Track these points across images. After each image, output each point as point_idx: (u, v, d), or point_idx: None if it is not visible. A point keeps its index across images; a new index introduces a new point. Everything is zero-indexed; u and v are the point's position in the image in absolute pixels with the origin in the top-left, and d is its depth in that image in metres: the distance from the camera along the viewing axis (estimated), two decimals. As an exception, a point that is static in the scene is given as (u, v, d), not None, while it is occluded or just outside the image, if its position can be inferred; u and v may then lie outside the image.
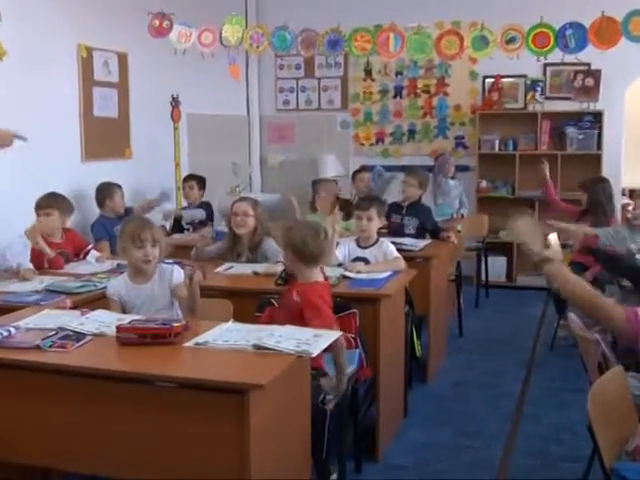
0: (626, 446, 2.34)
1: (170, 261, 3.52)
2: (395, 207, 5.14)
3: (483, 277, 6.84)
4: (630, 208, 5.27)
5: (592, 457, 2.70)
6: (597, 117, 6.84)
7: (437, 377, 4.69)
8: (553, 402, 4.22)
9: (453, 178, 6.73)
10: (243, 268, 3.98)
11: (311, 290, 3.02)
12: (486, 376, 4.73)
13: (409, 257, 4.32)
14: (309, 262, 3.09)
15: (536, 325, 5.04)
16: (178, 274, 3.26)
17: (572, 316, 3.04)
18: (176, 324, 2.60)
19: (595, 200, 5.29)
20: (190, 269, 3.25)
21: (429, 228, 5.10)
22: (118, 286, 3.22)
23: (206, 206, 6.02)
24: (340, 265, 3.91)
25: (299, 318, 2.92)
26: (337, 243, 4.03)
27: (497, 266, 7.17)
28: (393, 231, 4.97)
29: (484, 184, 7.19)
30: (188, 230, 5.89)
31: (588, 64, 6.67)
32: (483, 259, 6.79)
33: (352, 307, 3.31)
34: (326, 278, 3.24)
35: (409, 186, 5.17)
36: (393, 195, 5.85)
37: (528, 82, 7.07)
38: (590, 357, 2.83)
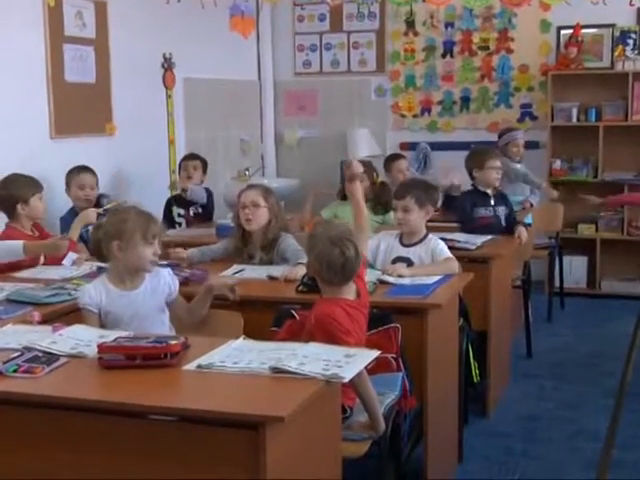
0: None
1: (164, 262, 3.56)
2: (480, 197, 5.15)
3: (557, 283, 6.82)
4: None
5: None
6: None
7: (500, 409, 4.68)
8: (653, 444, 4.20)
9: (521, 161, 6.64)
10: (256, 272, 4.00)
11: (330, 317, 2.99)
12: (562, 409, 4.72)
13: (464, 257, 4.32)
14: (333, 284, 3.10)
15: (627, 344, 5.00)
16: (176, 282, 3.30)
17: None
18: (173, 342, 2.61)
19: None
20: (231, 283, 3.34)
21: (511, 220, 5.17)
22: (96, 294, 3.23)
23: (208, 194, 6.05)
24: (371, 266, 3.92)
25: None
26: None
27: (575, 268, 7.16)
28: (486, 230, 4.98)
29: (558, 164, 7.15)
30: (180, 225, 5.92)
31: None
32: (557, 260, 6.76)
33: (393, 320, 3.31)
34: (363, 289, 3.22)
35: (497, 168, 5.21)
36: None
37: (617, 33, 7.06)
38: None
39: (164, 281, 3.28)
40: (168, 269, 3.40)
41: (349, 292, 3.13)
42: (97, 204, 5.08)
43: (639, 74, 6.92)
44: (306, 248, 3.19)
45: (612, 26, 7.04)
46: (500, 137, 6.71)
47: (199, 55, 6.80)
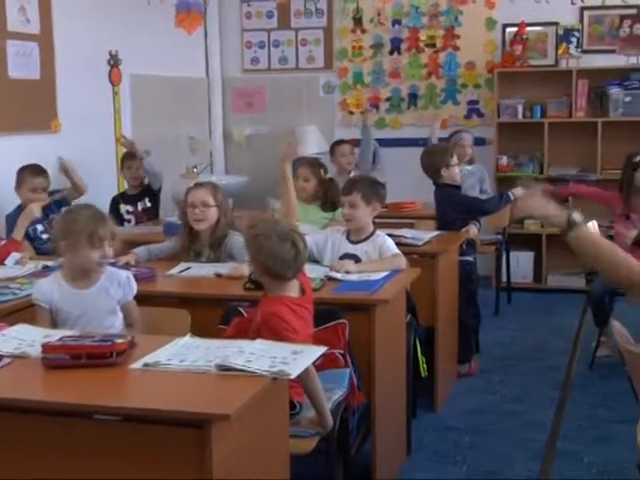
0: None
1: (112, 261, 3.52)
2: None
3: (504, 278, 6.90)
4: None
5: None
6: (648, 74, 6.90)
7: (448, 404, 4.72)
8: (594, 435, 4.26)
9: (471, 163, 6.69)
10: (203, 269, 3.98)
11: (277, 315, 3.00)
12: (509, 402, 4.76)
13: (412, 253, 4.36)
14: (279, 279, 3.10)
15: (572, 338, 5.07)
16: (133, 286, 3.27)
17: (617, 326, 3.06)
18: (119, 340, 2.59)
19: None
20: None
21: None
22: (49, 290, 3.21)
23: (148, 189, 6.04)
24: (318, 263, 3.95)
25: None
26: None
27: (522, 264, 7.25)
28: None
29: (504, 161, 7.23)
30: (129, 222, 5.88)
31: (637, 6, 6.73)
32: (504, 255, 6.84)
33: (340, 316, 3.32)
34: (306, 285, 3.22)
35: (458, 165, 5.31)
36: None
37: (560, 31, 7.15)
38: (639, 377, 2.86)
39: (118, 284, 3.24)
40: (128, 273, 3.35)
41: (294, 289, 3.14)
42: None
43: (582, 71, 7.02)
44: (251, 249, 3.14)
45: (556, 24, 7.14)
46: (449, 138, 6.77)
47: (146, 51, 6.75)
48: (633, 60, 6.90)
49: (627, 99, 6.93)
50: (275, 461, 2.64)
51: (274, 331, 2.93)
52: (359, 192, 4.07)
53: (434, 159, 5.22)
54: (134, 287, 3.30)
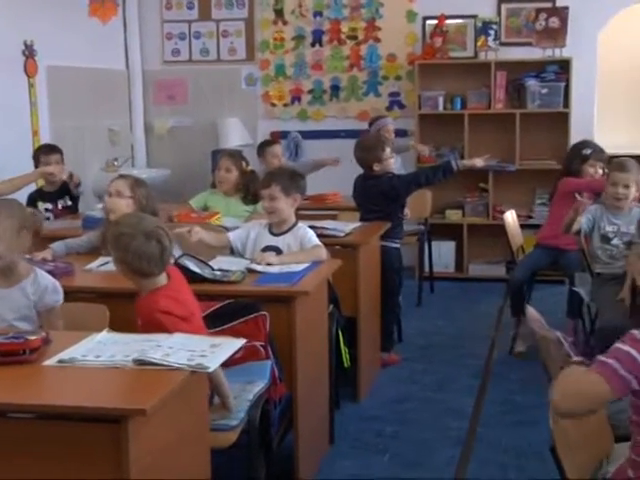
0: (600, 471, 2.43)
1: (28, 257, 3.45)
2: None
3: (427, 268, 6.98)
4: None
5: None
6: (564, 67, 7.05)
7: (370, 393, 4.75)
8: (512, 420, 4.34)
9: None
10: (122, 264, 3.93)
11: (160, 312, 2.94)
12: (431, 390, 4.82)
13: (334, 244, 4.39)
14: (147, 276, 3.06)
15: (493, 325, 5.17)
16: (56, 296, 3.19)
17: (531, 312, 3.12)
18: (32, 337, 2.55)
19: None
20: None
21: None
22: None
23: (67, 187, 5.93)
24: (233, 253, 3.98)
25: None
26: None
27: (444, 253, 7.34)
28: None
29: (427, 151, 7.30)
30: (48, 219, 5.76)
31: (553, 0, 6.87)
32: (426, 245, 6.92)
33: (261, 308, 3.33)
34: (170, 269, 3.17)
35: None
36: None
37: (479, 24, 7.23)
38: (552, 362, 2.92)
39: (38, 289, 3.16)
40: (54, 281, 3.24)
41: (162, 279, 3.09)
42: None
43: (501, 63, 7.12)
44: (116, 249, 3.07)
45: (474, 17, 7.23)
46: (371, 125, 6.81)
47: (63, 43, 6.62)
48: (549, 52, 7.04)
49: (544, 91, 7.06)
50: (196, 455, 2.63)
51: (162, 328, 2.86)
52: (278, 184, 4.06)
53: (367, 154, 5.19)
54: (59, 296, 3.20)
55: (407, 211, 5.56)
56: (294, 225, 4.14)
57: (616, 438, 2.54)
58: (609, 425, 2.58)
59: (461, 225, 7.33)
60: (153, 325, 2.91)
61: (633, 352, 2.09)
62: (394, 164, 6.22)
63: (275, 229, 4.15)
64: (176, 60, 7.90)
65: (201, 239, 3.99)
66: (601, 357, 2.13)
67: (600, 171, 5.41)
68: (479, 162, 5.36)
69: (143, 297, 3.07)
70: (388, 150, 5.21)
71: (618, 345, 2.13)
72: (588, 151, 5.50)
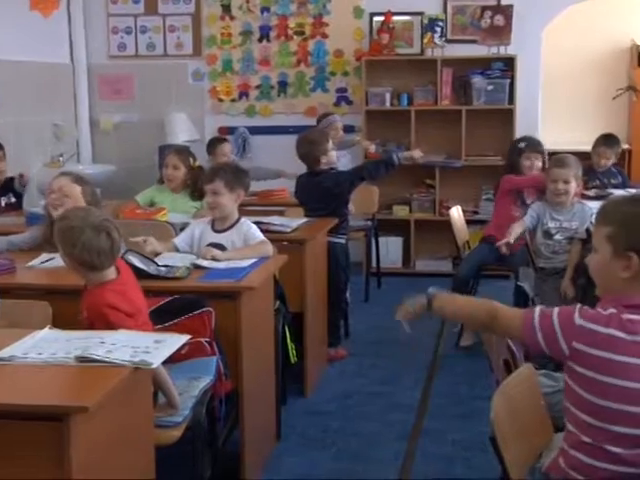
0: (539, 462, 2.47)
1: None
2: None
3: (374, 263, 7.01)
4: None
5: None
6: (509, 64, 7.12)
7: (318, 389, 4.77)
8: (458, 413, 4.40)
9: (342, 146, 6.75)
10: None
11: (107, 307, 2.92)
12: (378, 385, 4.86)
13: (280, 240, 4.40)
14: (104, 268, 3.03)
15: (439, 320, 5.18)
16: None
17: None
18: (-29, 335, 2.52)
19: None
20: None
21: None
22: None
23: (11, 183, 5.85)
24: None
25: None
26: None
27: (391, 249, 7.38)
28: None
29: (373, 148, 7.32)
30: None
31: (498, -1, 6.95)
32: (373, 241, 6.95)
33: (206, 304, 3.32)
34: (120, 264, 3.15)
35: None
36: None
37: (425, 21, 7.26)
38: (494, 354, 2.96)
39: None
40: None
41: (111, 272, 3.07)
42: None
43: (447, 60, 7.18)
44: (64, 243, 3.04)
45: (421, 14, 7.27)
46: (319, 122, 6.81)
47: (4, 36, 6.50)
48: (494, 50, 7.11)
49: (489, 87, 7.13)
50: (140, 452, 2.62)
51: (107, 322, 2.86)
52: (221, 179, 4.04)
53: (312, 149, 5.17)
54: None
55: (352, 207, 5.58)
56: (237, 221, 4.12)
57: (556, 429, 2.58)
58: (549, 416, 2.62)
59: (408, 221, 7.38)
60: (98, 319, 2.89)
61: (557, 326, 2.26)
62: (343, 160, 6.26)
63: (218, 226, 4.13)
64: (122, 55, 7.82)
65: (154, 250, 3.94)
66: (541, 309, 2.35)
67: (539, 164, 5.52)
68: (417, 153, 5.44)
69: (90, 290, 3.04)
70: (331, 142, 5.28)
71: (555, 310, 2.31)
72: (523, 144, 5.62)
